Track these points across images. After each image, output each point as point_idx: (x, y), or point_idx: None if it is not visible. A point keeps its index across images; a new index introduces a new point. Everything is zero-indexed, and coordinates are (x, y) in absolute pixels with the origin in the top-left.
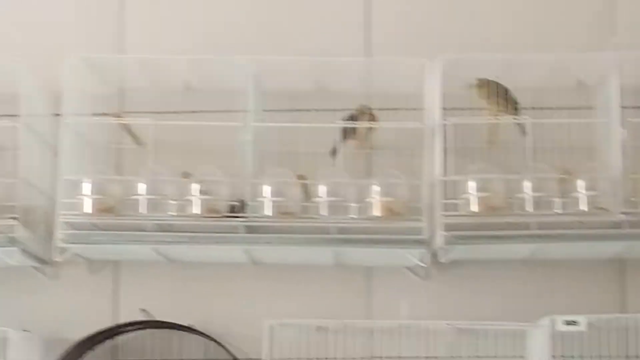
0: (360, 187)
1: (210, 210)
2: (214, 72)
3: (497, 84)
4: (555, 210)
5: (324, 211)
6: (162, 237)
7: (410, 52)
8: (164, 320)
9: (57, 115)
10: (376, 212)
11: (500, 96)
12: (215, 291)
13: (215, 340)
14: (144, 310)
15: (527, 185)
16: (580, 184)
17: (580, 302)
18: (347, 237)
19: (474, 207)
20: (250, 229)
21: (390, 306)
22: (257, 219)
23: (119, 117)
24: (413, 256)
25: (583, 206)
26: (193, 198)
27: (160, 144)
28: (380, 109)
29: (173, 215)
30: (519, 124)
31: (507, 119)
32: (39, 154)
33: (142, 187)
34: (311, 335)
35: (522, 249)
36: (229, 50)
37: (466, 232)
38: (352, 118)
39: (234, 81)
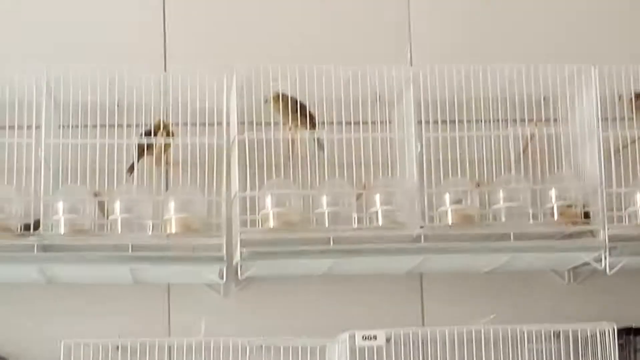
0: (156, 204)
1: (2, 229)
2: (5, 82)
3: (293, 99)
4: (353, 225)
5: (119, 228)
6: None
7: (207, 64)
8: None
9: None
10: (173, 228)
11: (297, 111)
12: (9, 312)
13: None
14: None
15: (324, 200)
16: (377, 199)
17: (380, 316)
18: (143, 254)
19: (271, 223)
20: (45, 248)
21: (189, 323)
22: (51, 237)
23: None
24: (211, 273)
25: (380, 221)
26: None
27: None
28: (177, 124)
29: None
30: (315, 138)
31: (304, 134)
32: None
33: None
34: (110, 354)
35: (320, 265)
36: (22, 59)
37: (263, 247)
38: (148, 133)
39: (27, 92)
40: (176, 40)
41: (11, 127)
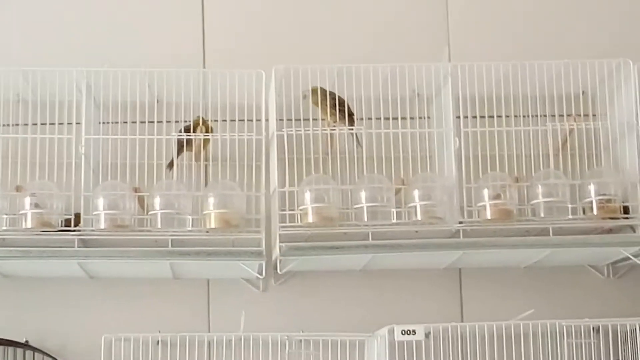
0: (196, 199)
1: (43, 224)
2: (47, 83)
3: (332, 94)
4: (391, 220)
5: (159, 223)
6: None
7: (246, 63)
8: None
9: None
10: (212, 223)
11: (335, 106)
12: (50, 306)
13: (51, 356)
14: None
15: (362, 196)
16: (416, 194)
17: (419, 311)
18: (183, 249)
19: (310, 218)
20: (85, 243)
21: (229, 318)
22: (91, 232)
23: None
24: (250, 268)
25: (419, 216)
26: (26, 212)
27: None
28: (216, 120)
29: (5, 230)
30: (354, 134)
31: (342, 129)
32: None
33: None
34: (150, 349)
35: (359, 260)
36: (62, 60)
37: (302, 243)
38: (188, 130)
39: (68, 92)
40: (215, 40)
41: (52, 124)
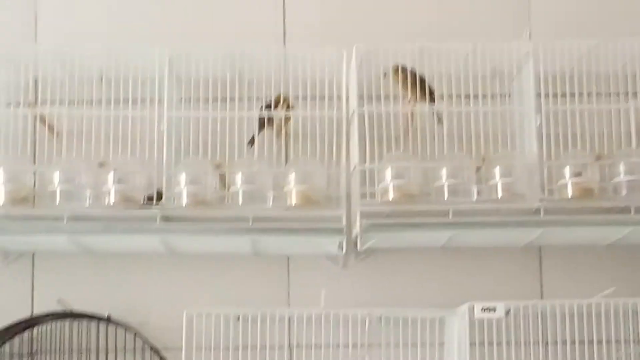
0: (277, 176)
1: (126, 200)
2: (129, 60)
3: (413, 72)
4: (472, 198)
5: (240, 200)
6: (77, 227)
7: (326, 40)
8: (81, 310)
9: None
10: (293, 200)
11: (416, 84)
12: (132, 281)
13: (132, 331)
14: (61, 301)
15: (443, 173)
16: (497, 171)
17: (499, 289)
18: (264, 226)
19: (391, 195)
20: (167, 218)
21: (308, 294)
22: (173, 208)
23: (33, 107)
24: (331, 245)
25: (499, 193)
26: (109, 187)
27: (75, 133)
28: (297, 98)
29: (88, 205)
30: (434, 112)
31: (423, 107)
32: None
33: (57, 177)
34: (230, 324)
35: (439, 237)
36: (143, 38)
37: (383, 220)
38: (269, 107)
39: (149, 70)
40: (296, 16)
41: (134, 101)
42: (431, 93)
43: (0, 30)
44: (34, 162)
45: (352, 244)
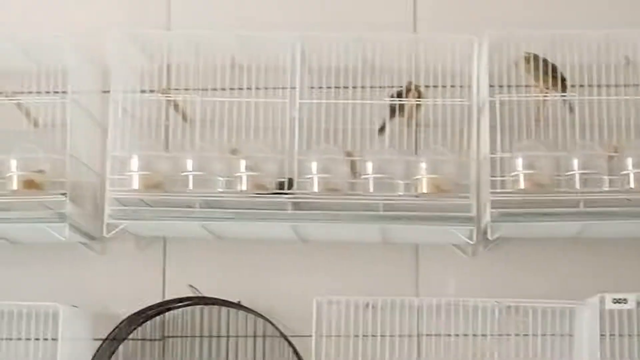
0: (407, 164)
1: (257, 187)
2: (261, 48)
3: (545, 60)
4: (604, 188)
5: (371, 188)
6: (209, 213)
7: (456, 28)
8: (212, 296)
9: (105, 92)
10: (423, 189)
11: (548, 72)
12: (262, 268)
13: (263, 317)
14: (192, 286)
15: (575, 163)
16: (629, 162)
17: (629, 280)
18: (394, 214)
19: (521, 184)
20: (297, 206)
21: (437, 283)
22: (304, 196)
23: (166, 93)
24: (460, 233)
25: (631, 183)
26: (240, 174)
27: (207, 120)
28: (427, 86)
29: (220, 192)
30: (566, 101)
31: (555, 96)
32: (87, 131)
33: (189, 164)
34: (359, 311)
35: (569, 227)
36: (275, 26)
37: (513, 209)
38: (399, 95)
39: (280, 57)
40: (426, 3)
41: (265, 88)
42: (563, 81)
43: (134, 18)
44: (167, 149)
45: (482, 233)
